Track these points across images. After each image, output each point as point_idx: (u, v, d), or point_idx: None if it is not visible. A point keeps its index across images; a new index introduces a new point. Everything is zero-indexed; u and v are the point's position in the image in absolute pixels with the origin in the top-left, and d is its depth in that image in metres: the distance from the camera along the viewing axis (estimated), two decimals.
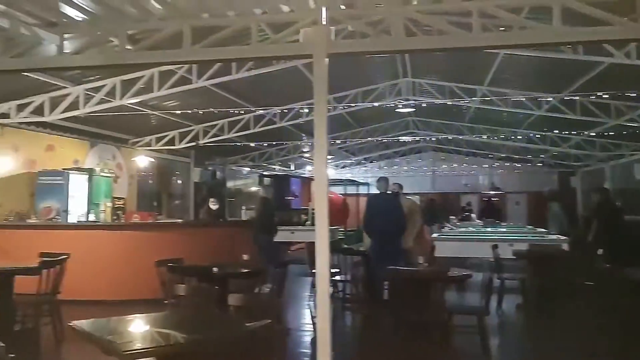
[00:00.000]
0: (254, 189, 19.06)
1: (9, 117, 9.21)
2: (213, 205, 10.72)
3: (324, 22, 4.11)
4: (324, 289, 3.80)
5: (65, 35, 4.72)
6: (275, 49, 4.45)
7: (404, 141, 17.90)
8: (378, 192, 7.76)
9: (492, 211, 18.04)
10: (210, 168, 16.80)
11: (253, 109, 11.99)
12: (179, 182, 15.97)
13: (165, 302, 5.54)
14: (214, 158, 16.93)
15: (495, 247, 7.53)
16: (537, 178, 21.06)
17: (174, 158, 15.02)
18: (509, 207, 22.22)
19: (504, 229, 12.95)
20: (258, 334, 2.69)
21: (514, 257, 8.07)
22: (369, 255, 6.98)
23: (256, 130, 12.85)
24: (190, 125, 13.01)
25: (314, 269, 7.94)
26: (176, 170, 15.67)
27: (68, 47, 4.83)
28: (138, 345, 2.54)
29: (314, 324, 7.01)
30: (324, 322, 3.74)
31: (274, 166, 19.99)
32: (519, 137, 15.50)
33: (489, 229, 12.78)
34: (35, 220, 9.22)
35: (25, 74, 7.57)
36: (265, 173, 19.18)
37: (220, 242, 8.87)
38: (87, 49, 4.86)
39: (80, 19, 4.67)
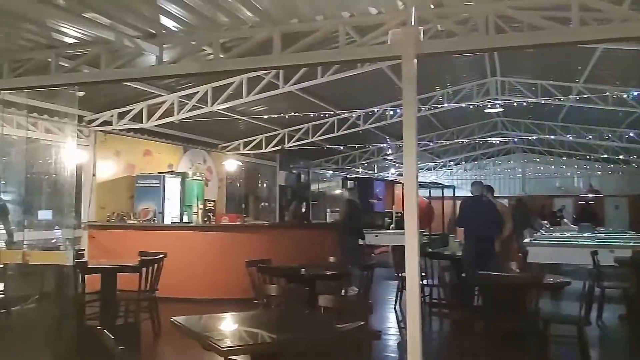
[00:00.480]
0: (337, 191, 19.18)
1: (111, 125, 9.86)
2: (299, 208, 10.89)
3: (413, 23, 4.07)
4: (414, 293, 3.74)
5: (164, 46, 4.98)
6: (363, 51, 4.46)
7: (492, 142, 17.32)
8: (472, 195, 7.55)
9: (588, 215, 17.00)
10: (294, 171, 17.09)
11: (337, 112, 12.07)
12: (265, 185, 16.38)
13: (256, 301, 5.69)
14: (299, 161, 17.22)
15: (595, 253, 7.10)
16: (639, 180, 19.67)
17: (260, 162, 15.43)
18: (608, 211, 20.87)
19: (603, 235, 12.17)
20: (350, 336, 2.70)
21: (616, 265, 7.57)
22: (458, 260, 6.81)
23: (340, 133, 12.94)
24: (276, 130, 13.31)
25: (400, 272, 7.93)
26: (262, 174, 16.08)
27: (166, 56, 5.09)
28: (235, 342, 2.62)
29: (400, 328, 6.95)
30: (415, 327, 3.68)
31: (357, 169, 20.02)
32: (619, 136, 14.53)
33: (586, 234, 12.06)
34: (135, 221, 9.79)
35: (126, 83, 8.07)
36: (348, 176, 19.25)
37: (306, 244, 8.99)
38: (183, 57, 5.10)
39: (176, 29, 4.90)
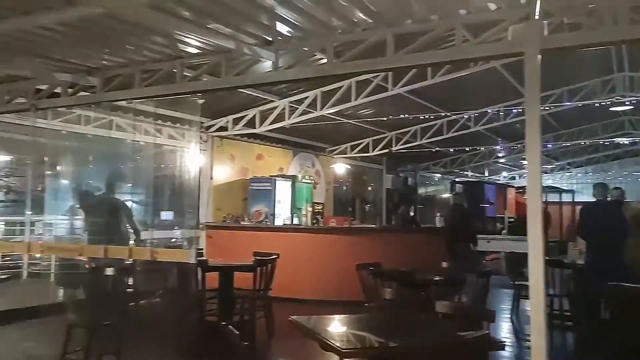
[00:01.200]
0: (445, 195, 18.71)
1: (227, 130, 10.35)
2: (407, 212, 10.74)
3: (537, 16, 3.84)
4: (539, 303, 3.52)
5: (279, 52, 5.12)
6: (482, 49, 4.29)
7: (619, 143, 15.99)
8: (595, 199, 7.00)
9: None
10: (401, 174, 16.92)
11: (447, 114, 11.77)
12: (371, 188, 16.36)
13: (367, 304, 5.68)
14: (406, 164, 17.01)
15: None
16: None
17: (367, 165, 15.44)
18: None
19: None
20: (473, 345, 2.59)
21: None
22: (582, 269, 6.34)
23: (449, 135, 12.60)
24: (384, 133, 13.25)
25: (515, 280, 7.53)
26: (369, 177, 16.08)
27: (280, 62, 5.23)
28: (355, 344, 2.61)
29: (518, 339, 6.60)
30: (540, 339, 3.47)
31: (466, 172, 19.40)
32: None
33: None
34: (248, 222, 10.19)
35: (241, 90, 8.42)
36: (457, 179, 18.70)
37: (415, 248, 8.84)
38: (297, 63, 5.21)
39: (290, 35, 5.02)
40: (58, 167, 8.85)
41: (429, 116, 11.69)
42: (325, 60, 5.27)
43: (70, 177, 8.70)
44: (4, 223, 11.86)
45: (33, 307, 7.11)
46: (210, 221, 10.06)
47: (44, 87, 6.51)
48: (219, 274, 6.49)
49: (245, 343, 2.60)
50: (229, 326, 2.80)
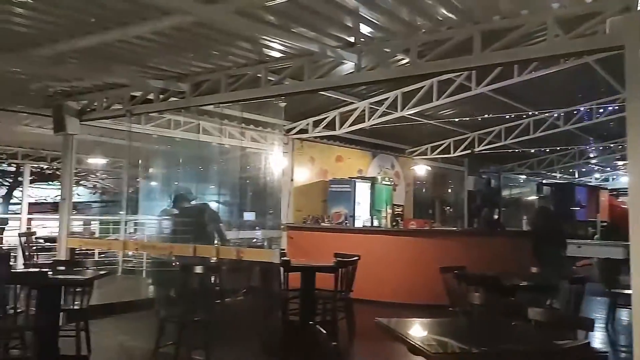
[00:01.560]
0: (531, 198, 17.95)
1: (307, 132, 10.48)
2: (491, 215, 10.41)
3: (639, 8, 3.60)
4: None
5: (362, 53, 5.12)
6: (575, 44, 4.07)
7: None
8: None
9: None
10: (484, 176, 16.40)
11: (534, 113, 11.28)
12: (452, 190, 15.99)
13: (451, 309, 5.55)
14: (489, 166, 16.48)
15: None
16: None
17: (447, 166, 15.11)
18: None
19: None
20: (572, 354, 2.46)
21: None
22: None
23: (536, 135, 12.06)
24: (466, 133, 12.91)
25: (611, 288, 7.09)
26: (450, 179, 15.73)
27: (363, 63, 5.23)
28: (444, 349, 2.56)
29: (615, 350, 6.22)
30: None
31: (554, 174, 18.50)
32: None
33: None
34: (328, 224, 10.26)
35: (322, 93, 8.50)
36: (544, 181, 17.88)
37: (500, 252, 8.54)
38: (380, 63, 5.19)
39: (372, 36, 5.00)
40: (150, 170, 9.33)
41: (514, 115, 11.25)
42: (407, 61, 5.21)
43: (161, 179, 9.16)
44: (98, 223, 12.69)
45: (127, 301, 7.53)
46: (290, 222, 10.23)
47: (137, 93, 6.90)
48: (301, 274, 6.57)
49: (334, 343, 2.60)
50: (317, 325, 2.82)
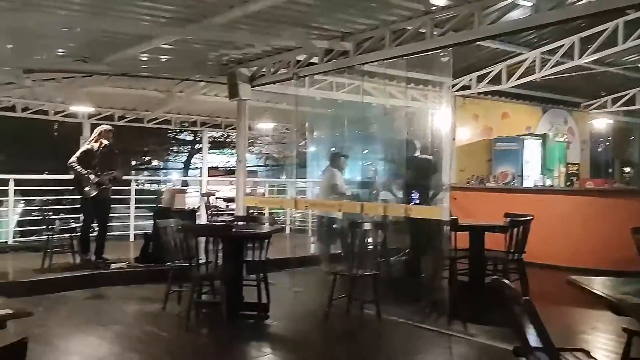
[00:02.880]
0: None
1: (470, 89, 10.00)
2: None
3: None
4: None
5: None
6: None
7: None
8: None
9: None
10: None
11: None
12: (637, 147, 14.28)
13: None
14: None
15: None
16: None
17: (632, 121, 13.47)
18: None
19: None
20: None
21: None
22: None
23: None
24: None
25: None
26: (635, 134, 14.05)
27: (540, 4, 4.78)
28: None
29: None
30: None
31: None
32: None
33: None
34: (494, 184, 9.78)
35: (485, 44, 8.00)
36: None
37: None
38: (559, 4, 4.69)
39: None
40: (314, 133, 9.64)
41: None
42: None
43: (325, 142, 9.43)
44: (267, 186, 13.52)
45: (297, 257, 7.94)
46: (453, 183, 9.92)
47: (302, 57, 7.09)
48: (469, 233, 6.37)
49: (525, 297, 2.44)
50: (504, 280, 2.67)
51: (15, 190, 9.62)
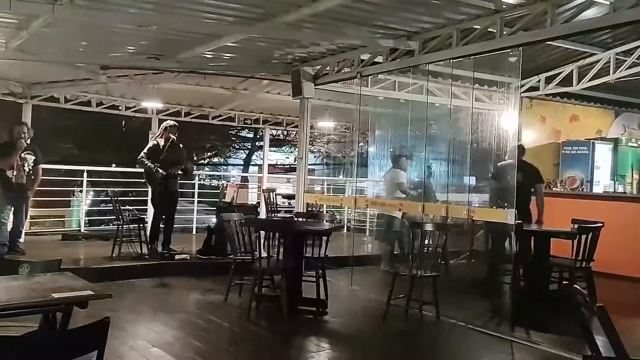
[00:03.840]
0: None
1: (537, 90, 9.69)
2: None
3: None
4: None
5: None
6: None
7: None
8: None
9: None
10: None
11: None
12: None
13: None
14: None
15: None
16: None
17: None
18: None
19: None
20: None
21: None
22: None
23: None
24: None
25: None
26: None
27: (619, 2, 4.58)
28: None
29: None
30: None
31: None
32: None
33: None
34: (561, 189, 9.45)
35: (555, 44, 7.71)
36: None
37: None
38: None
39: None
40: (376, 132, 9.62)
41: None
42: None
43: (386, 142, 9.38)
44: (325, 184, 13.61)
45: (356, 256, 7.95)
46: None
47: (366, 56, 7.09)
48: (533, 238, 6.19)
49: (600, 305, 2.35)
50: (575, 285, 2.59)
51: (87, 181, 10.13)
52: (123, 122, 18.26)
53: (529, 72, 9.55)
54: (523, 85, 9.77)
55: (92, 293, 2.71)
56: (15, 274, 3.15)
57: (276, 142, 22.72)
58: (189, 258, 7.83)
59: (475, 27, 5.70)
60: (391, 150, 9.19)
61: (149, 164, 7.65)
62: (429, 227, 5.59)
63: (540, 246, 6.15)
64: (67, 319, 2.77)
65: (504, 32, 5.41)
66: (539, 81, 9.60)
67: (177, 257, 7.77)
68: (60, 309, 2.76)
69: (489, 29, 5.56)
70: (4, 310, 2.52)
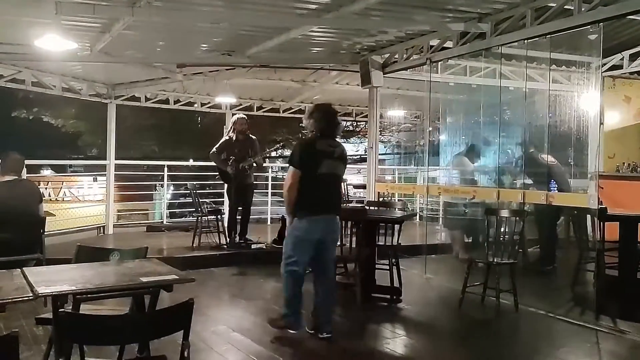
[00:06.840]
0: None
1: (620, 68, 9.15)
2: None
3: None
4: None
5: None
6: None
7: None
8: None
9: None
10: None
11: None
12: None
13: None
14: None
15: None
16: None
17: None
18: None
19: None
20: None
21: None
22: None
23: None
24: None
25: None
26: None
27: None
28: None
29: None
30: None
31: None
32: None
33: None
34: None
35: (634, 17, 7.25)
36: None
37: None
38: None
39: None
40: (447, 119, 9.44)
41: None
42: None
43: (458, 129, 9.19)
44: (392, 174, 13.50)
45: (429, 244, 7.86)
46: (601, 170, 9.16)
47: (435, 42, 6.97)
48: (619, 224, 5.88)
49: None
50: None
51: (167, 175, 10.62)
52: (199, 119, 18.94)
53: (611, 50, 9.03)
54: (605, 64, 9.24)
55: (177, 277, 2.87)
56: (107, 260, 3.38)
57: (345, 134, 22.73)
58: (264, 247, 8.06)
59: (550, 4, 5.47)
60: (463, 137, 9.00)
61: (219, 159, 7.90)
62: (505, 213, 5.45)
63: (627, 232, 5.84)
64: (154, 301, 2.96)
65: (582, 9, 5.16)
66: (622, 59, 9.06)
67: (253, 246, 8.02)
68: (148, 291, 2.95)
69: (566, 6, 5.32)
70: (99, 293, 2.73)
